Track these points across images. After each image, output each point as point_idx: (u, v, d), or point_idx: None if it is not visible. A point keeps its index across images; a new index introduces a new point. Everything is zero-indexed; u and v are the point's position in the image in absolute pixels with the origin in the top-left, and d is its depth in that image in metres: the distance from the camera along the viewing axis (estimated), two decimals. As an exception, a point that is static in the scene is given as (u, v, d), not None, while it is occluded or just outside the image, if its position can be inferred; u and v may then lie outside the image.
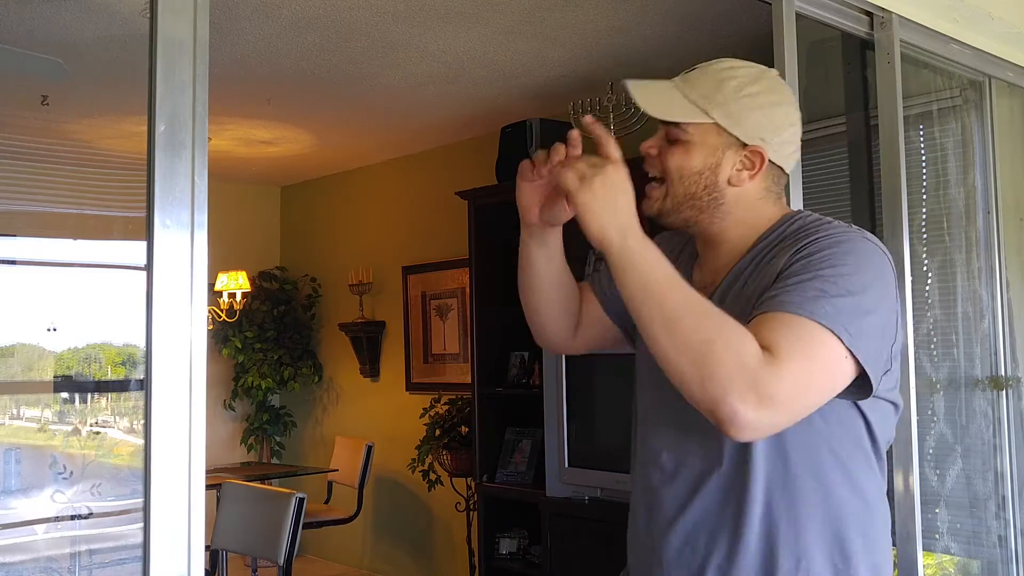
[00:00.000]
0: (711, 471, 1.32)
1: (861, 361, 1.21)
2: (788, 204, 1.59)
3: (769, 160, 1.35)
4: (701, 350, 1.16)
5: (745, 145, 1.34)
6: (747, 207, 1.38)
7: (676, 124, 1.35)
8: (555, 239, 1.46)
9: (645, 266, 1.21)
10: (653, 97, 1.37)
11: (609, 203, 1.23)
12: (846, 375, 1.22)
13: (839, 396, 1.25)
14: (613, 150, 1.28)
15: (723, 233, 1.39)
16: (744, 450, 1.29)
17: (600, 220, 1.23)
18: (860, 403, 1.30)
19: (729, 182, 1.35)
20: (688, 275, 1.42)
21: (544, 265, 1.47)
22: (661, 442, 1.40)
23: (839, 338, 1.19)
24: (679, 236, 1.51)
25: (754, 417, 1.14)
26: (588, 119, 1.32)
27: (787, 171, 1.40)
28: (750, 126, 1.33)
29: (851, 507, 1.32)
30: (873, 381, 1.23)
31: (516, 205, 1.44)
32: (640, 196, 1.37)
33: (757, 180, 1.36)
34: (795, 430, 1.24)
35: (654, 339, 1.20)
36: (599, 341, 1.59)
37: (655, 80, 1.39)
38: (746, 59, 1.41)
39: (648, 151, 1.39)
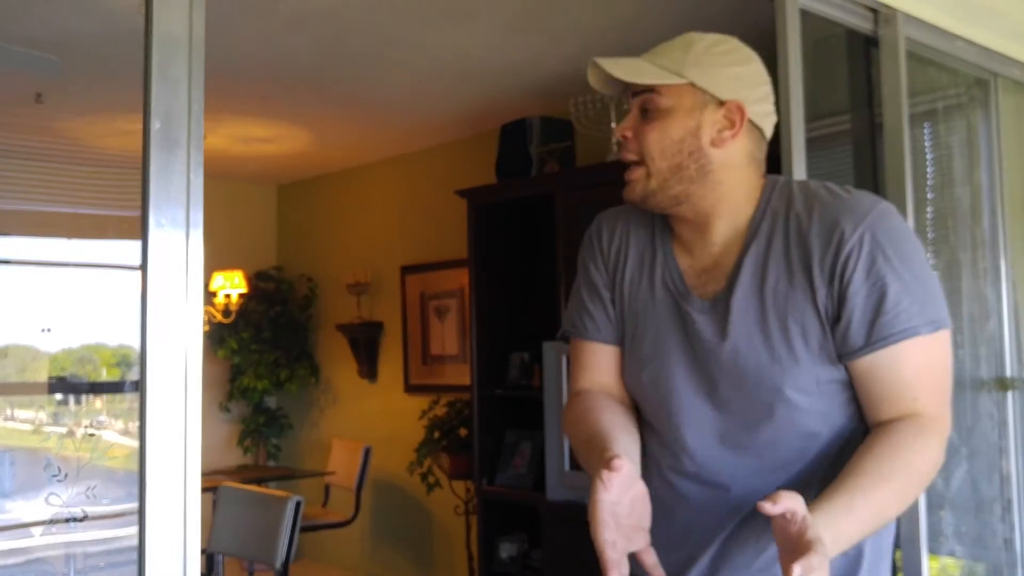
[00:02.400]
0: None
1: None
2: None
3: (748, 120, 1.33)
4: (917, 493, 1.30)
5: (722, 103, 1.32)
6: (736, 177, 1.35)
7: (651, 91, 1.33)
8: (634, 454, 1.34)
9: (856, 527, 1.19)
10: (624, 67, 1.35)
11: None
12: None
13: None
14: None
15: (715, 208, 1.36)
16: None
17: None
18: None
19: (712, 144, 1.33)
20: (667, 258, 1.41)
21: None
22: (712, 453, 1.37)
23: (949, 328, 1.28)
24: (634, 214, 1.46)
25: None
26: None
27: (766, 135, 1.38)
28: (724, 81, 1.32)
29: None
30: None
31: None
32: (622, 185, 1.37)
33: (740, 140, 1.34)
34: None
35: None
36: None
37: (623, 57, 1.37)
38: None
39: (624, 133, 1.37)
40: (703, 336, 1.34)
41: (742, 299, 1.32)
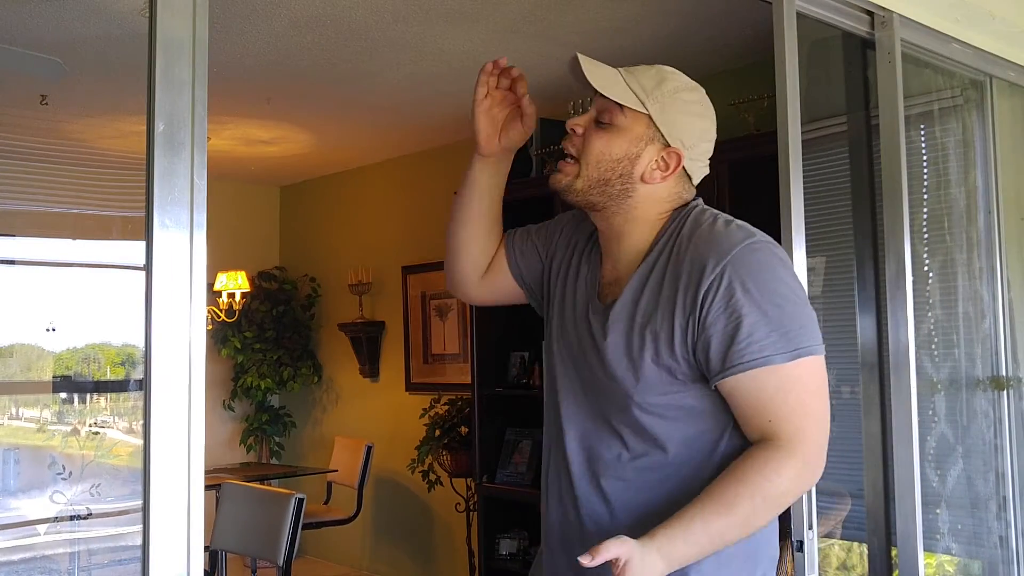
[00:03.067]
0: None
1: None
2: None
3: (683, 167, 1.42)
4: (768, 516, 1.35)
5: (667, 145, 1.40)
6: (652, 208, 1.44)
7: (615, 106, 1.40)
8: (507, 166, 1.59)
9: (694, 550, 1.30)
10: (600, 74, 1.42)
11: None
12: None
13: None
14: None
15: (623, 227, 1.45)
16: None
17: None
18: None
19: (642, 178, 1.41)
20: (594, 267, 1.51)
21: (489, 197, 1.61)
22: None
23: (816, 356, 1.34)
24: (588, 224, 1.56)
25: (819, 474, 1.37)
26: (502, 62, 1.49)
27: (694, 182, 1.46)
28: (676, 128, 1.40)
29: None
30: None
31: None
32: (553, 169, 1.46)
33: (668, 182, 1.42)
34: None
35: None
36: (500, 293, 1.69)
37: (605, 64, 1.44)
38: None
39: (574, 127, 1.44)
40: (591, 335, 1.45)
41: (619, 311, 1.41)
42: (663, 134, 1.39)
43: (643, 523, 1.35)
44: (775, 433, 1.33)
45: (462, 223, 1.62)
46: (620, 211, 1.43)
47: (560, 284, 1.57)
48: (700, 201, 1.47)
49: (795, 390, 1.33)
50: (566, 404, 1.50)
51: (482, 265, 1.65)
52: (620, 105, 1.39)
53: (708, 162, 1.47)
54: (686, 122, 1.40)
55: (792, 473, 1.32)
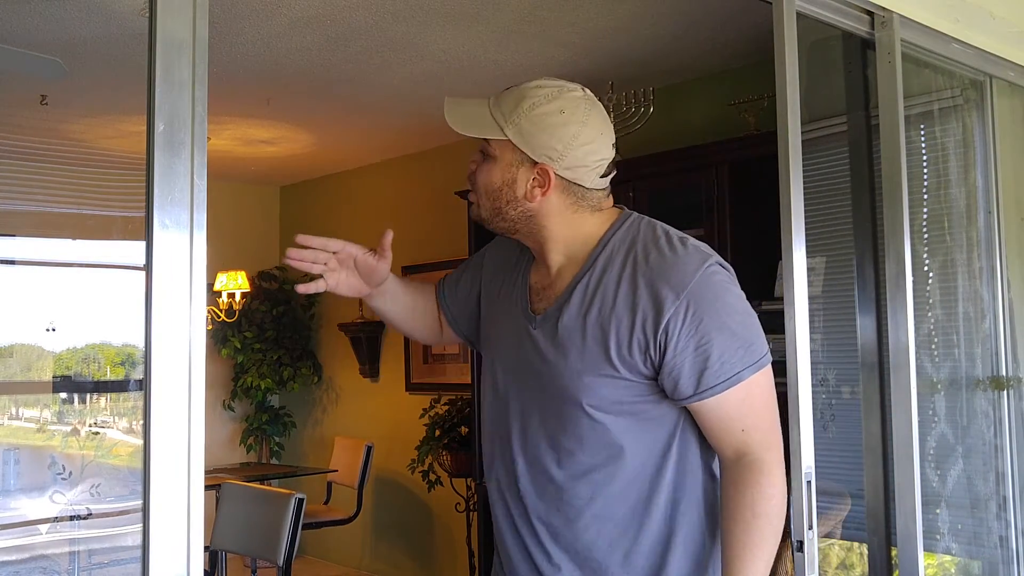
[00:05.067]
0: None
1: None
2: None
3: (560, 176, 1.42)
4: (782, 523, 1.43)
5: (536, 163, 1.41)
6: (559, 221, 1.45)
7: (485, 140, 1.44)
8: (391, 284, 1.66)
9: None
10: (461, 112, 1.47)
11: None
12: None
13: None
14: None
15: (547, 244, 1.48)
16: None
17: None
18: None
19: (526, 197, 1.43)
20: (525, 271, 1.54)
21: (400, 308, 1.70)
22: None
23: (769, 362, 1.40)
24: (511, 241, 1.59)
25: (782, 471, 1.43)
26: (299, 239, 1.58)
27: (588, 186, 1.45)
28: (537, 144, 1.41)
29: None
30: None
31: None
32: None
33: (553, 196, 1.43)
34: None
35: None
36: (460, 339, 1.77)
37: (475, 98, 1.48)
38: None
39: (470, 165, 1.49)
40: (535, 347, 1.47)
41: (568, 321, 1.43)
42: (527, 153, 1.41)
43: (603, 534, 1.41)
44: (747, 445, 1.39)
45: (399, 329, 1.76)
46: (531, 231, 1.47)
47: (491, 302, 1.61)
48: (629, 212, 1.50)
49: (760, 396, 1.40)
50: (513, 423, 1.51)
51: (435, 329, 1.77)
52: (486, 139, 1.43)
53: (601, 162, 1.45)
54: (545, 136, 1.41)
55: (779, 482, 1.40)
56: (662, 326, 1.35)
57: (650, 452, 1.43)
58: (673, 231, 1.45)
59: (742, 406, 1.39)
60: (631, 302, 1.38)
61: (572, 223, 1.45)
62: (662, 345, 1.36)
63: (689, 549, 1.45)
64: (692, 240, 1.44)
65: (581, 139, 1.42)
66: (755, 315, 1.43)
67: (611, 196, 1.51)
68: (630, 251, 1.42)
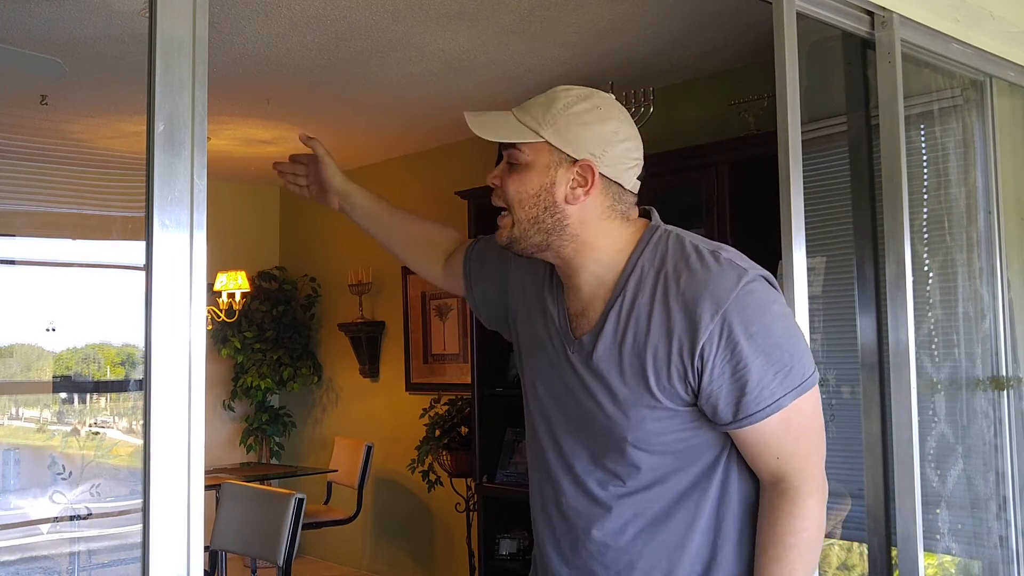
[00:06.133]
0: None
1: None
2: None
3: (602, 174, 1.39)
4: (819, 550, 1.42)
5: (576, 161, 1.38)
6: (595, 231, 1.41)
7: (513, 147, 1.41)
8: (360, 199, 1.88)
9: None
10: (487, 123, 1.44)
11: None
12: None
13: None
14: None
15: (576, 258, 1.43)
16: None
17: None
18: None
19: (566, 200, 1.39)
20: (559, 301, 1.49)
21: (371, 219, 1.87)
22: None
23: (814, 384, 1.37)
24: (540, 264, 1.55)
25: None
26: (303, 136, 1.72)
27: (627, 187, 1.43)
28: (578, 141, 1.38)
29: None
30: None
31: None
32: (494, 228, 1.47)
33: (596, 197, 1.40)
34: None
35: None
36: (457, 286, 1.82)
37: (495, 111, 1.46)
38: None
39: (492, 182, 1.46)
40: (576, 375, 1.45)
41: (604, 351, 1.40)
42: (567, 153, 1.38)
43: (645, 555, 1.41)
44: (782, 472, 1.37)
45: (383, 241, 1.87)
46: (564, 242, 1.41)
47: (525, 322, 1.57)
48: (659, 221, 1.47)
49: (799, 423, 1.37)
50: (555, 444, 1.49)
51: (435, 260, 1.87)
52: (517, 144, 1.40)
53: (637, 162, 1.44)
54: (585, 132, 1.38)
55: (814, 514, 1.38)
56: (698, 351, 1.32)
57: (696, 478, 1.40)
58: (704, 244, 1.40)
59: (779, 433, 1.35)
60: (666, 329, 1.35)
61: (605, 232, 1.41)
62: (699, 371, 1.33)
63: (730, 572, 1.42)
64: (726, 253, 1.38)
65: (621, 135, 1.40)
66: (799, 333, 1.39)
67: (637, 207, 1.48)
68: (660, 271, 1.38)
